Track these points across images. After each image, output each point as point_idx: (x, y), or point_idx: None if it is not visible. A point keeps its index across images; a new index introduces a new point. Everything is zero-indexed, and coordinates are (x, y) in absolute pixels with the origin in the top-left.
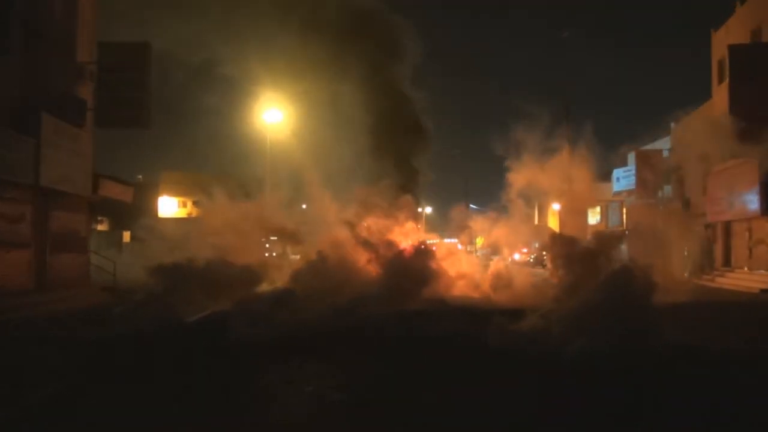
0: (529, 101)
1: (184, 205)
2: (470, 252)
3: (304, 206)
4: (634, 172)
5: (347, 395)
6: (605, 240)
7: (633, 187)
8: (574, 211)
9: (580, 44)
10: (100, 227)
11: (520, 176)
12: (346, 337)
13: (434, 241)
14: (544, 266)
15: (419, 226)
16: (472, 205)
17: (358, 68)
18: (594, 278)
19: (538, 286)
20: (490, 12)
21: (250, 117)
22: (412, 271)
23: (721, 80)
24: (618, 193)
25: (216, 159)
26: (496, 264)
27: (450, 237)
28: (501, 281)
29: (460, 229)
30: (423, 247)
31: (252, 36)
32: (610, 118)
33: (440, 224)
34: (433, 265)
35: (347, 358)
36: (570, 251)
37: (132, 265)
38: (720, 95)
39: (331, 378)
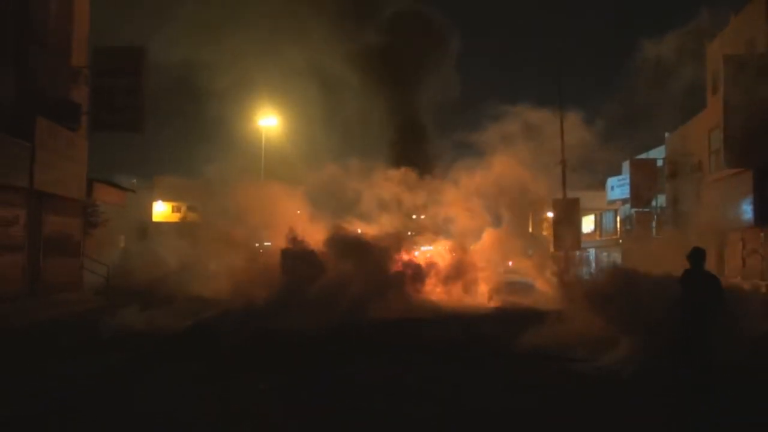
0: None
1: (179, 210)
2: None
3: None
4: (628, 181)
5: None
6: None
7: (627, 196)
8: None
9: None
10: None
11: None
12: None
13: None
14: None
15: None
16: None
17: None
18: None
19: None
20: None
21: (251, 122)
22: None
23: (715, 90)
24: (612, 202)
25: (211, 163)
26: None
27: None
28: None
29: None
30: None
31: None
32: (606, 126)
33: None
34: None
35: None
36: None
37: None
38: (715, 105)
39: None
